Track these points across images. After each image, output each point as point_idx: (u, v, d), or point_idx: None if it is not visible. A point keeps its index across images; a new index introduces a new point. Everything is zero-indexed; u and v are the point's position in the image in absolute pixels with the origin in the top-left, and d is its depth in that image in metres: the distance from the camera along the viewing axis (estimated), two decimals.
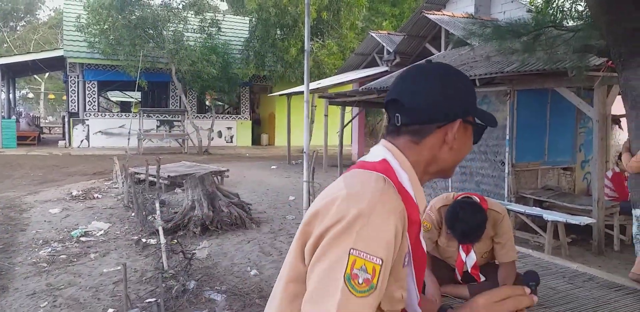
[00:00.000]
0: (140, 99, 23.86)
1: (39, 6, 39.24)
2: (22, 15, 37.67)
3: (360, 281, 0.86)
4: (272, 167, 12.92)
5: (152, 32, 16.65)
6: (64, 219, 6.86)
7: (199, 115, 20.16)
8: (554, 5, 5.66)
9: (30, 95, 38.50)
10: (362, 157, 1.09)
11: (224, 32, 18.76)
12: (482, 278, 3.06)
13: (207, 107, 21.65)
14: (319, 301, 0.87)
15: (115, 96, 28.97)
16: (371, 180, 0.96)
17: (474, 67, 6.88)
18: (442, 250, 3.10)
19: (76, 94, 18.76)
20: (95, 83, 18.95)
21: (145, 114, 18.01)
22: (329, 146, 12.99)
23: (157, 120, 19.37)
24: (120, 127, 18.51)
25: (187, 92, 19.04)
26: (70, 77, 18.79)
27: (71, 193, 8.66)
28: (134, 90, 18.02)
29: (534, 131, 6.54)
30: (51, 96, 36.27)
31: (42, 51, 21.41)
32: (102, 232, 6.15)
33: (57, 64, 19.72)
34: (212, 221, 5.98)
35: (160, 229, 4.74)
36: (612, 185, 5.99)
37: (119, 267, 4.45)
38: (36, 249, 5.44)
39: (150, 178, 8.50)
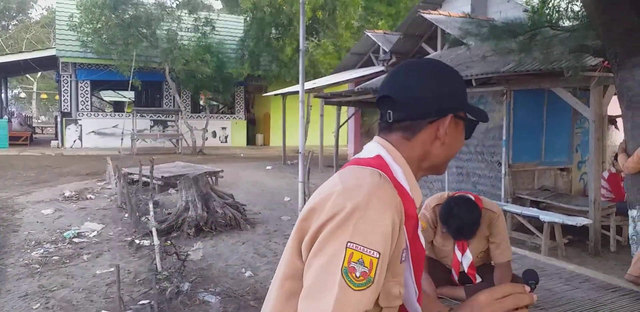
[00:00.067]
0: (133, 99, 23.74)
1: (31, 5, 38.99)
2: (14, 14, 37.42)
3: (358, 275, 0.86)
4: (267, 167, 12.87)
5: (145, 31, 16.56)
6: (56, 220, 6.80)
7: (193, 115, 20.08)
8: (550, 5, 5.65)
9: (23, 95, 38.26)
10: (357, 154, 1.09)
11: (218, 31, 18.69)
12: (479, 279, 3.04)
13: (201, 107, 21.58)
14: (316, 297, 0.87)
15: (109, 96, 28.81)
16: (366, 175, 0.97)
17: (470, 67, 6.87)
18: (437, 250, 3.10)
19: (69, 94, 18.64)
20: (88, 82, 18.84)
21: (138, 114, 17.92)
22: (325, 146, 12.96)
23: (151, 120, 19.28)
24: (113, 127, 18.42)
25: (181, 92, 18.96)
26: (63, 76, 18.66)
27: (64, 194, 8.59)
28: (127, 90, 17.94)
29: (530, 131, 6.54)
30: (43, 96, 36.07)
31: (34, 50, 21.30)
32: (95, 233, 6.09)
33: (49, 63, 19.59)
34: (207, 222, 5.94)
35: (153, 230, 4.70)
36: (608, 186, 5.99)
37: (112, 269, 4.40)
38: (28, 251, 5.38)
39: (144, 179, 8.44)
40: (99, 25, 15.99)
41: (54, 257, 5.12)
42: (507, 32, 4.94)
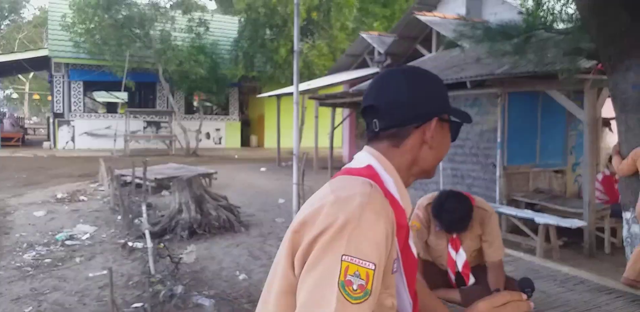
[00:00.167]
0: (126, 100, 23.65)
1: (23, 5, 38.69)
2: (6, 14, 37.10)
3: (355, 287, 0.85)
4: (262, 169, 12.84)
5: (139, 31, 16.49)
6: (48, 222, 6.74)
7: (186, 116, 20.01)
8: (545, 8, 5.67)
9: (15, 95, 38.06)
10: (347, 164, 1.10)
11: (212, 32, 18.64)
12: (472, 279, 3.06)
13: (195, 108, 21.50)
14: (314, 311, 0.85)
15: (102, 97, 28.65)
16: (358, 185, 0.97)
17: (465, 69, 6.88)
18: (431, 249, 3.13)
19: (61, 95, 18.53)
20: (81, 83, 18.73)
21: (131, 115, 17.85)
22: (320, 148, 12.95)
23: (144, 121, 19.20)
24: (106, 128, 18.33)
25: (174, 93, 18.89)
26: (56, 77, 18.55)
27: (56, 195, 8.53)
28: (121, 91, 17.85)
29: (525, 134, 6.56)
30: (36, 96, 35.87)
31: (26, 51, 21.16)
32: (87, 235, 6.04)
33: (42, 63, 19.47)
34: (200, 225, 5.90)
35: (147, 232, 4.67)
36: (602, 188, 6.01)
37: (105, 272, 4.36)
38: (20, 253, 5.32)
39: (137, 180, 8.37)
40: (92, 26, 15.91)
41: (46, 260, 5.07)
42: (501, 34, 4.95)
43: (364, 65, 13.48)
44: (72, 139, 18.25)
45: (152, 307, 3.69)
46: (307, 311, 0.86)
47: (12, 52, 21.18)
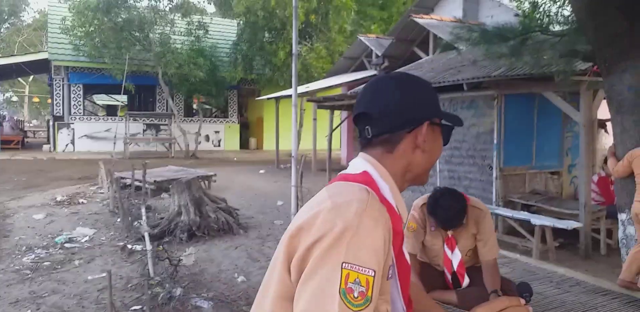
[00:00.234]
0: (126, 103, 23.67)
1: (23, 8, 38.75)
2: (5, 17, 37.15)
3: (356, 295, 0.85)
4: (260, 171, 12.86)
5: (138, 34, 16.54)
6: (48, 224, 6.75)
7: (186, 118, 20.04)
8: (541, 10, 5.71)
9: (14, 98, 38.08)
10: (343, 170, 1.11)
11: (211, 35, 18.70)
12: (467, 279, 3.09)
13: (194, 111, 21.54)
14: None
15: (101, 99, 28.73)
16: (355, 191, 0.97)
17: (461, 71, 6.91)
18: (428, 250, 3.15)
19: (61, 98, 18.56)
20: (81, 86, 18.77)
21: (131, 118, 17.87)
22: (318, 150, 12.97)
23: (144, 124, 19.23)
24: (106, 131, 18.35)
25: (174, 96, 18.93)
26: (55, 80, 18.58)
27: (56, 198, 8.54)
28: (120, 94, 17.87)
29: (521, 135, 6.58)
30: (35, 99, 35.88)
31: (26, 54, 21.17)
32: (87, 238, 6.06)
33: (41, 66, 19.50)
34: (199, 227, 5.92)
35: (146, 235, 4.68)
36: (598, 189, 6.04)
37: (104, 274, 4.38)
38: (19, 256, 5.33)
39: (137, 183, 8.41)
40: (92, 29, 15.94)
41: (45, 263, 5.08)
42: (497, 36, 4.97)
43: (362, 67, 13.52)
44: (72, 142, 18.28)
45: (151, 310, 3.70)
46: None
47: (12, 55, 21.20)
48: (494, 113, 6.39)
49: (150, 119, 19.33)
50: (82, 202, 8.35)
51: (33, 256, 5.33)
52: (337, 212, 0.91)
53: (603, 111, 5.38)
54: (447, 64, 7.86)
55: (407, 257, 1.07)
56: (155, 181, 8.74)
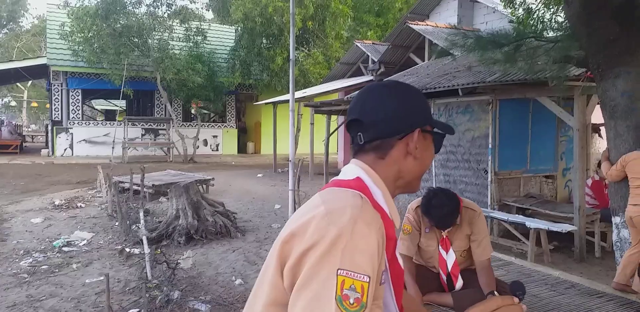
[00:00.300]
0: (125, 108, 23.70)
1: (22, 14, 38.84)
2: (4, 23, 37.24)
3: (352, 301, 0.85)
4: (258, 175, 12.89)
5: (137, 40, 16.60)
6: (46, 228, 6.76)
7: (184, 123, 20.07)
8: (535, 16, 5.78)
9: (13, 103, 38.01)
10: (336, 176, 1.11)
11: (209, 40, 18.77)
12: (460, 281, 3.11)
13: (192, 116, 21.58)
14: None
15: (100, 104, 28.75)
16: (348, 197, 0.97)
17: (457, 76, 6.98)
18: (423, 251, 3.18)
19: (60, 102, 18.58)
20: (79, 91, 18.80)
21: (130, 123, 17.90)
22: (315, 154, 13.01)
23: (142, 128, 19.26)
24: (104, 135, 18.36)
25: (172, 101, 18.97)
26: (54, 85, 18.61)
27: (54, 202, 8.55)
28: (119, 99, 17.90)
29: (516, 140, 6.64)
30: (34, 104, 35.87)
31: (25, 59, 21.19)
32: (85, 242, 6.07)
33: (40, 72, 19.54)
34: (197, 230, 5.94)
35: (144, 238, 4.71)
36: (592, 193, 6.09)
37: (102, 278, 4.39)
38: (17, 260, 5.35)
39: (135, 187, 8.43)
40: (91, 34, 16.00)
41: (42, 267, 5.09)
42: (492, 43, 5.02)
43: (358, 73, 13.59)
44: (71, 147, 18.28)
45: None
46: None
47: (10, 61, 21.24)
48: (489, 118, 6.45)
49: (149, 123, 19.37)
50: (80, 206, 8.36)
51: (31, 259, 5.34)
52: (331, 218, 0.91)
53: (597, 116, 5.43)
54: (442, 70, 7.93)
55: (400, 262, 1.07)
56: (153, 185, 8.76)
